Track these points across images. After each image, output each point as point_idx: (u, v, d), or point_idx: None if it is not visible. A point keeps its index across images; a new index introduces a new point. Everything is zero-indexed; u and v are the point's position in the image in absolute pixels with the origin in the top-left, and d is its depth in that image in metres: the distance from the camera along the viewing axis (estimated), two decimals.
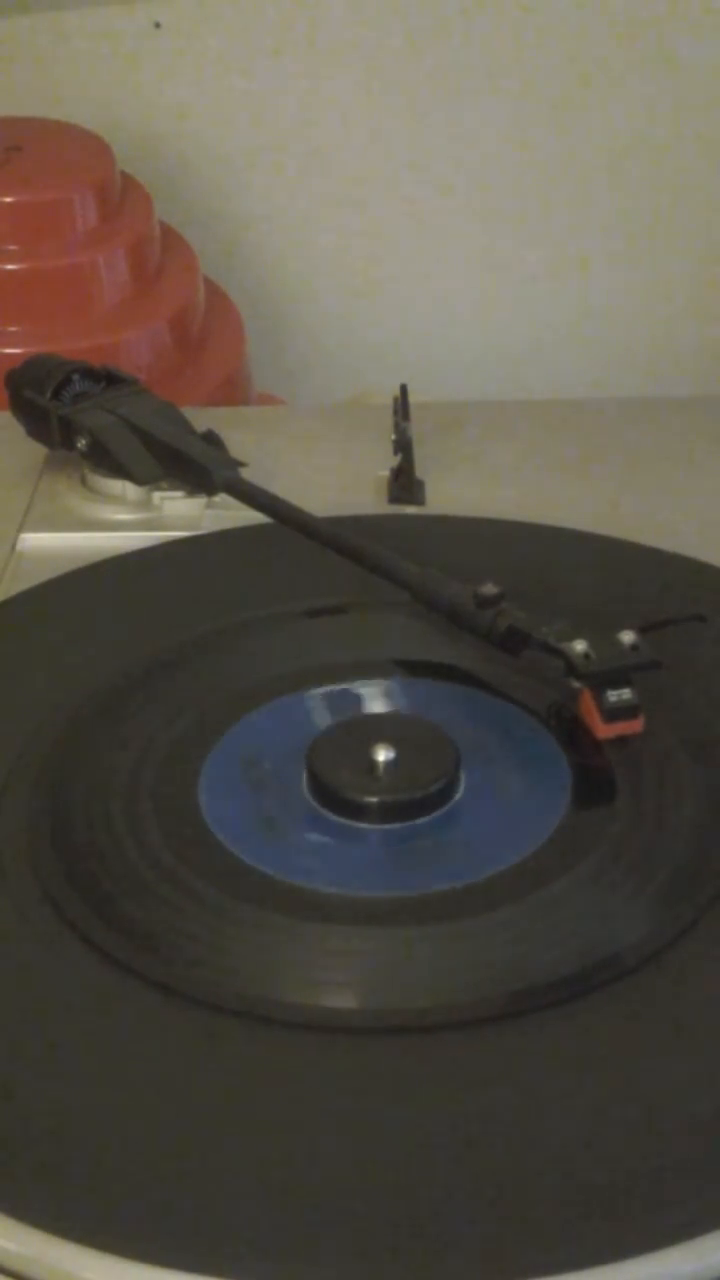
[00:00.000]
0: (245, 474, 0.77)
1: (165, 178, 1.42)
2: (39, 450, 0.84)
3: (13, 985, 0.53)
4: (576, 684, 0.60)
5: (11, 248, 1.21)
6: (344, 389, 1.44)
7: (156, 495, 0.80)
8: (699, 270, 1.50)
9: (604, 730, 0.60)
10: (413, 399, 0.85)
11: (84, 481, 0.82)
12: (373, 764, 0.59)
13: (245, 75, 1.44)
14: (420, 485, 0.82)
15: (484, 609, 0.64)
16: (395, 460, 0.83)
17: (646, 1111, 0.48)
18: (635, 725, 0.60)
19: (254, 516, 0.75)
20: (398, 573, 0.68)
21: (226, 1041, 0.50)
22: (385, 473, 0.83)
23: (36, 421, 0.82)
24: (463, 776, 0.59)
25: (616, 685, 0.60)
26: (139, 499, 0.80)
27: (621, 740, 0.60)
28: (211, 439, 0.79)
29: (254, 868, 0.56)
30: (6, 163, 1.26)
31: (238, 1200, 0.45)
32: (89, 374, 0.83)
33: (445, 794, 0.58)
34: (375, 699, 0.64)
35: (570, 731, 0.61)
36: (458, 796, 0.59)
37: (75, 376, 0.82)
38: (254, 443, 0.83)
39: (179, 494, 0.80)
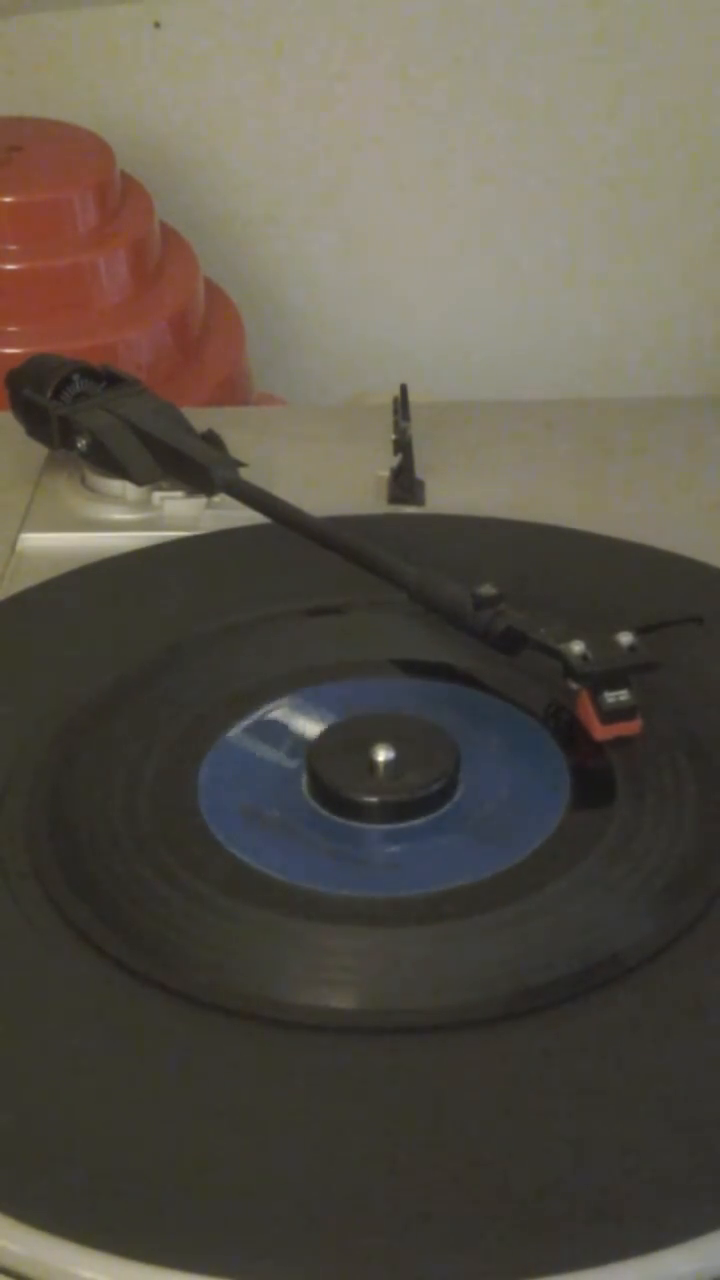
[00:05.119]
0: (245, 474, 0.77)
1: (165, 178, 1.42)
2: (39, 450, 0.84)
3: (13, 986, 0.53)
4: (574, 685, 0.60)
5: (11, 248, 1.21)
6: (344, 389, 1.44)
7: (156, 495, 0.80)
8: (698, 270, 1.50)
9: (601, 731, 0.60)
10: (413, 399, 0.85)
11: (84, 481, 0.82)
12: (373, 764, 0.59)
13: (245, 75, 1.44)
14: (420, 485, 0.82)
15: (482, 610, 0.64)
16: (395, 460, 0.83)
17: (646, 1111, 0.48)
18: (633, 726, 0.60)
19: (254, 516, 0.75)
20: (396, 573, 0.68)
21: (226, 1041, 0.50)
22: (385, 473, 0.83)
23: (36, 421, 0.82)
24: (462, 776, 0.59)
25: (614, 686, 0.60)
26: (139, 499, 0.80)
27: (620, 740, 0.60)
28: (211, 439, 0.80)
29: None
30: (6, 163, 1.26)
31: (237, 1200, 0.45)
32: (89, 374, 0.83)
33: (445, 794, 0.58)
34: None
35: (569, 732, 0.61)
36: (458, 796, 0.59)
37: (75, 376, 0.82)
38: (254, 443, 0.83)
39: (179, 494, 0.80)
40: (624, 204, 1.48)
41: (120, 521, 0.80)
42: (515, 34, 1.42)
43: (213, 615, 0.70)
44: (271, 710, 0.64)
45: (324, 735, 0.60)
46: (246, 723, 0.63)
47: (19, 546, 0.79)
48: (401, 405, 0.84)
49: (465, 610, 0.65)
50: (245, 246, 1.50)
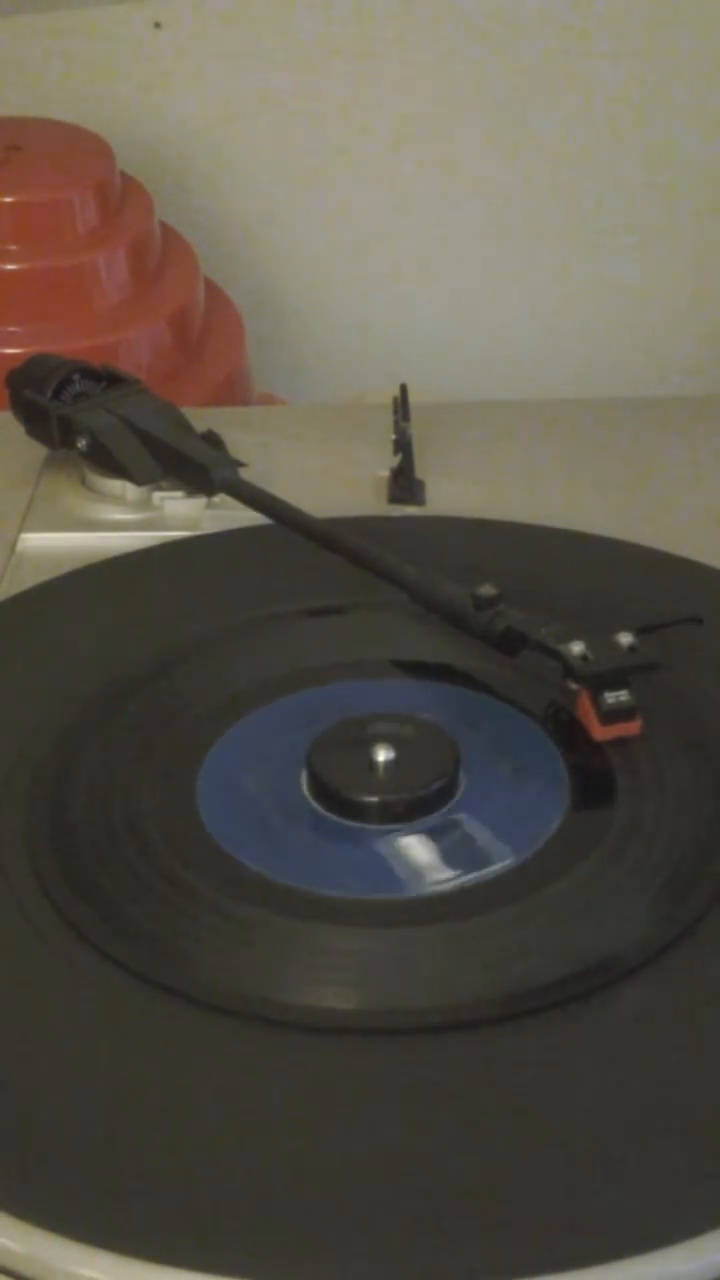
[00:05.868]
0: (245, 474, 0.77)
1: (165, 178, 1.42)
2: (39, 450, 0.84)
3: (13, 985, 0.53)
4: (574, 686, 0.60)
5: (11, 248, 1.21)
6: (344, 389, 1.44)
7: (156, 495, 0.80)
8: (699, 270, 1.50)
9: (601, 732, 0.60)
10: (413, 399, 0.85)
11: (84, 481, 0.82)
12: (373, 764, 0.59)
13: (245, 75, 1.44)
14: (420, 485, 0.82)
15: (482, 610, 0.64)
16: (395, 460, 0.83)
17: (646, 1111, 0.48)
18: (633, 727, 0.60)
19: (254, 516, 0.75)
20: (396, 574, 0.68)
21: (226, 1041, 0.50)
22: (385, 473, 0.83)
23: (36, 421, 0.82)
24: (462, 776, 0.59)
25: (614, 687, 0.60)
26: (139, 499, 0.80)
27: (620, 741, 0.60)
28: (211, 439, 0.80)
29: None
30: (6, 163, 1.26)
31: (238, 1200, 0.45)
32: (89, 374, 0.83)
33: (445, 794, 0.59)
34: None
35: (569, 732, 0.61)
36: (457, 797, 0.59)
37: (76, 376, 0.82)
38: (254, 443, 0.83)
39: (179, 494, 0.80)
40: (625, 204, 1.48)
41: (120, 521, 0.80)
42: (516, 33, 1.42)
43: (213, 615, 0.70)
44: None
45: (324, 735, 0.60)
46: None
47: (19, 546, 0.79)
48: (401, 405, 0.84)
49: (465, 611, 0.65)
50: (245, 246, 1.50)
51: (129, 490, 0.80)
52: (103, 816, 0.58)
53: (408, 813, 0.58)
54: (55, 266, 1.22)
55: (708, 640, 0.66)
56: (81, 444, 0.80)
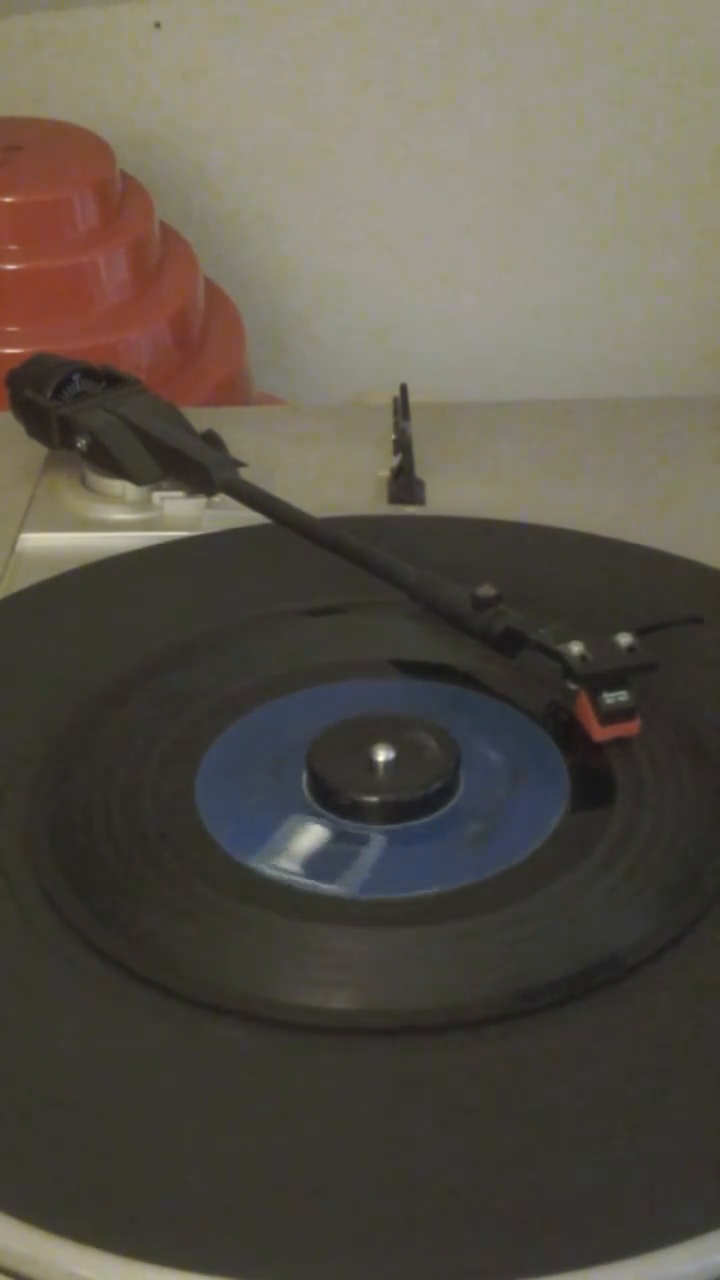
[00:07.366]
0: (245, 474, 0.77)
1: (165, 178, 1.42)
2: (39, 450, 0.84)
3: (13, 985, 0.53)
4: (573, 686, 0.60)
5: (11, 248, 1.21)
6: (344, 389, 1.44)
7: (156, 495, 0.80)
8: (699, 270, 1.50)
9: (600, 732, 0.60)
10: (413, 399, 0.85)
11: (84, 481, 0.82)
12: (373, 764, 0.59)
13: (245, 75, 1.44)
14: (420, 485, 0.82)
15: (482, 610, 0.64)
16: (395, 460, 0.83)
17: (646, 1111, 0.48)
18: (632, 727, 0.60)
19: (254, 516, 0.76)
20: (396, 574, 0.68)
21: (226, 1041, 0.50)
22: (385, 473, 0.83)
23: (36, 421, 0.82)
24: (462, 776, 0.59)
25: (613, 687, 0.60)
26: (139, 499, 0.80)
27: (620, 741, 0.60)
28: (211, 439, 0.80)
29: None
30: (6, 163, 1.26)
31: (238, 1200, 0.45)
32: (89, 374, 0.83)
33: (445, 794, 0.59)
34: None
35: (569, 732, 0.61)
36: (457, 797, 0.59)
37: (76, 376, 0.82)
38: (254, 443, 0.83)
39: (179, 494, 0.80)
40: (625, 203, 1.48)
41: (120, 521, 0.80)
42: (517, 32, 1.42)
43: (213, 615, 0.70)
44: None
45: (324, 735, 0.60)
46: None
47: (19, 546, 0.79)
48: (401, 405, 0.84)
49: (465, 611, 0.65)
50: (245, 246, 1.50)
51: (129, 490, 0.80)
52: (103, 816, 0.58)
53: (408, 813, 0.58)
54: (55, 266, 1.23)
55: (708, 640, 0.66)
56: (81, 444, 0.80)
